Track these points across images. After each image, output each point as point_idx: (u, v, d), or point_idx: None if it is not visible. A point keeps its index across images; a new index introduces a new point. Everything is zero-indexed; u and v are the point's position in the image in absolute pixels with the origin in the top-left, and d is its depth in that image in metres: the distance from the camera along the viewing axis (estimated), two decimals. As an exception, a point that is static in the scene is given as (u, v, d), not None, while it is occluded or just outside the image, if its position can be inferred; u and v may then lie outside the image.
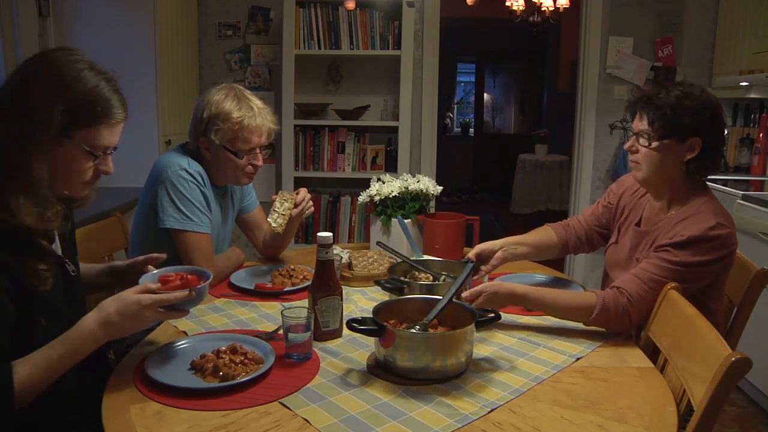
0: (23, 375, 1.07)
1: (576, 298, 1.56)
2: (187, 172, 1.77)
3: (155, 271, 1.36)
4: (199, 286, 1.26)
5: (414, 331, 1.32)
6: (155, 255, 1.44)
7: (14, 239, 1.12)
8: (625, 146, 1.67)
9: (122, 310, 1.14)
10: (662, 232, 1.57)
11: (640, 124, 1.60)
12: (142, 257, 1.45)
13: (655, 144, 1.56)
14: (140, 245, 1.86)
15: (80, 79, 1.15)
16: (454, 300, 1.38)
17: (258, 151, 1.86)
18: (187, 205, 1.75)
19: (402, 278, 1.63)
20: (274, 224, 1.86)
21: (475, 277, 1.69)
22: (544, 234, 1.93)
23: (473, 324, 1.27)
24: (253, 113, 1.81)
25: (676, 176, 1.59)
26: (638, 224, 1.72)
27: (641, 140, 1.59)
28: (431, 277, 1.69)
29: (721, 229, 1.48)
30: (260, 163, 1.88)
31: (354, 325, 1.26)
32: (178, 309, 1.25)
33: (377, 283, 1.59)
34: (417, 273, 1.71)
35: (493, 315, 1.36)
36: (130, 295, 1.16)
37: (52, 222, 1.16)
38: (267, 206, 1.95)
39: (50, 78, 1.14)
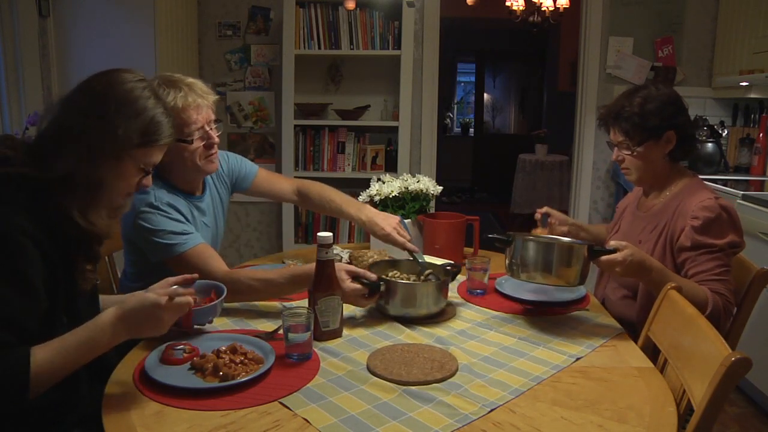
0: (40, 359, 1.08)
1: (692, 290, 1.55)
2: (152, 205, 1.66)
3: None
4: (215, 301, 1.37)
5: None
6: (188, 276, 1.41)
7: (74, 241, 1.19)
8: (613, 158, 1.81)
9: (140, 308, 1.15)
10: (669, 219, 1.70)
11: (617, 136, 1.75)
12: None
13: (636, 151, 1.72)
14: (139, 274, 1.77)
15: (148, 105, 1.24)
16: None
17: (208, 128, 1.73)
18: (166, 236, 1.65)
19: (383, 276, 1.63)
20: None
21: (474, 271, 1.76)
22: (602, 229, 2.06)
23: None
24: (183, 93, 1.67)
25: (663, 167, 1.76)
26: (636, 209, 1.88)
27: (623, 150, 1.75)
28: (413, 276, 1.70)
29: (722, 200, 1.64)
30: (215, 139, 1.76)
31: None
32: (194, 323, 1.35)
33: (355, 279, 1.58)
34: (399, 272, 1.72)
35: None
36: (151, 294, 1.18)
37: (113, 229, 1.26)
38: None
39: (126, 100, 1.21)
